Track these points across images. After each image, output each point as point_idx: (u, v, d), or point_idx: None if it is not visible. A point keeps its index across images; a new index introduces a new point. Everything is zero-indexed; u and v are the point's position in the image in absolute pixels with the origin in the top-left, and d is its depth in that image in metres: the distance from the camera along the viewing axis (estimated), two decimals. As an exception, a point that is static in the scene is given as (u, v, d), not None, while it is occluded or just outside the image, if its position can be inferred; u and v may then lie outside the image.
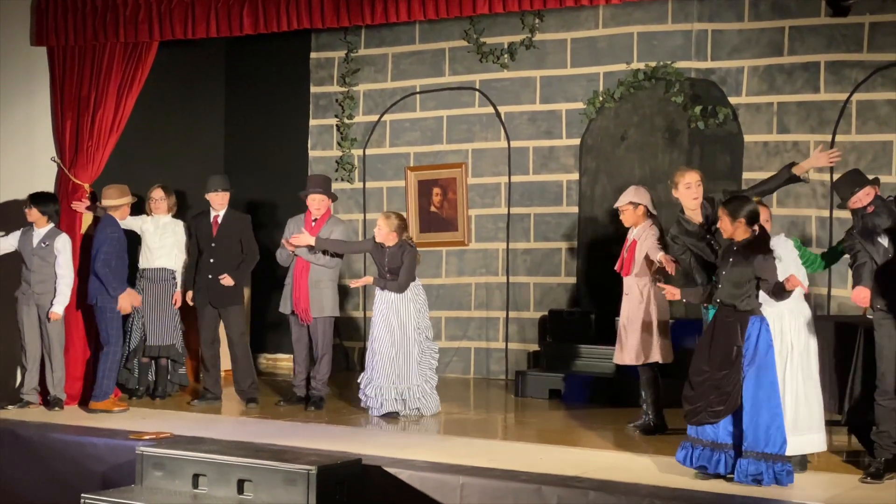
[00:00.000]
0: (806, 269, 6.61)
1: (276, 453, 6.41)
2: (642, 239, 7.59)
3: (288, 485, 6.04)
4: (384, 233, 8.16)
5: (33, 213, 8.35)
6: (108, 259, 8.28)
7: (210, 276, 8.56)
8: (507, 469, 6.31)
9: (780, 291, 6.06)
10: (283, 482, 6.05)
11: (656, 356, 7.55)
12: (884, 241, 6.25)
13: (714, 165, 9.50)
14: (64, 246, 8.35)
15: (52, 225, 8.39)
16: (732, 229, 6.20)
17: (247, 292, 9.43)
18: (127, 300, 8.36)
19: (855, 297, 6.33)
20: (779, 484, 5.94)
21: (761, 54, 9.31)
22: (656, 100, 9.68)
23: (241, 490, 6.19)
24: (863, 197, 6.36)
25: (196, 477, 6.31)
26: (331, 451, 6.60)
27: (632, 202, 7.63)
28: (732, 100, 9.43)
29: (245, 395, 8.63)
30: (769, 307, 6.22)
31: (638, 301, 7.57)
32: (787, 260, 6.33)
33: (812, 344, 6.35)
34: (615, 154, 9.86)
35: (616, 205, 7.75)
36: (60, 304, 8.28)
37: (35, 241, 8.33)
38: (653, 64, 9.66)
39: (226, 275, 8.54)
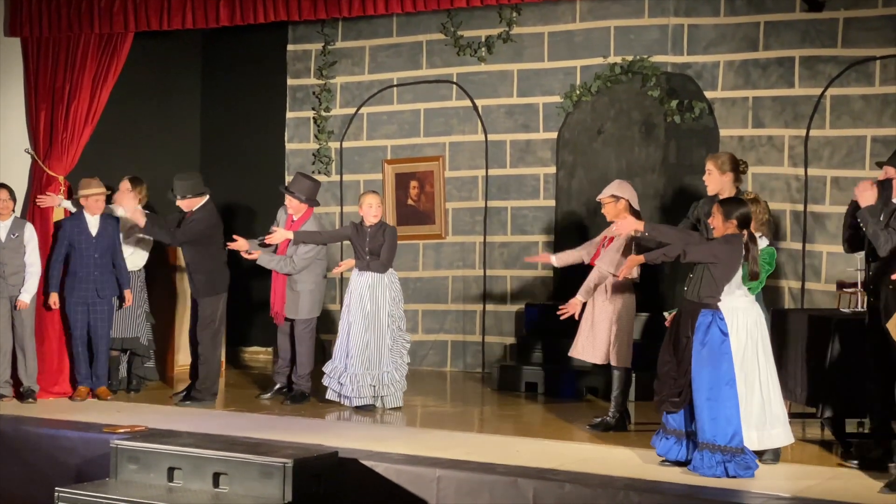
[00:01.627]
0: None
1: (251, 446, 6.40)
2: (618, 239, 7.41)
3: (264, 478, 6.02)
4: (377, 210, 8.18)
5: (8, 203, 8.30)
6: (51, 255, 8.40)
7: (187, 266, 8.51)
8: (483, 462, 6.32)
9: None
10: (259, 475, 6.04)
11: (614, 359, 7.41)
12: None
13: (690, 160, 9.55)
14: (32, 236, 8.38)
15: (14, 215, 8.36)
16: (723, 228, 6.25)
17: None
18: (50, 300, 8.43)
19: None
20: (735, 477, 5.97)
21: (737, 49, 9.35)
22: (633, 94, 9.71)
23: (216, 483, 6.17)
24: None
25: (171, 470, 6.28)
26: (307, 444, 6.59)
27: (613, 195, 7.49)
28: (708, 94, 9.47)
29: (196, 391, 8.35)
30: (725, 301, 6.26)
31: (606, 298, 7.44)
32: None
33: (767, 342, 6.37)
34: (592, 147, 9.89)
35: (598, 197, 7.64)
36: (28, 292, 8.29)
37: (3, 234, 8.30)
38: (629, 58, 9.69)
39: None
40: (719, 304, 6.18)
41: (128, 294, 8.63)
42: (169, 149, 10.80)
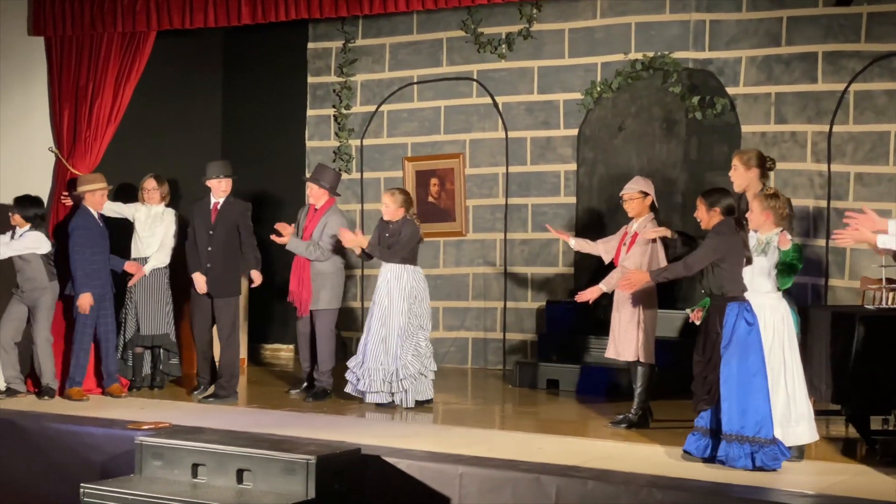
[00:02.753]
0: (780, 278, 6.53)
1: (275, 443, 6.41)
2: (644, 233, 7.44)
3: (287, 474, 6.04)
4: (391, 210, 8.17)
5: (15, 218, 8.38)
6: (75, 256, 8.35)
7: (208, 265, 8.43)
8: (505, 458, 6.32)
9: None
10: (283, 472, 6.06)
11: (643, 355, 7.43)
12: None
13: (711, 156, 9.52)
14: (36, 243, 8.33)
15: (28, 226, 8.37)
16: (708, 219, 6.28)
17: (244, 283, 9.29)
18: (86, 301, 8.34)
19: None
20: (763, 468, 5.97)
21: (759, 44, 9.32)
22: (654, 90, 9.68)
23: (240, 479, 6.19)
24: None
25: (195, 466, 6.31)
26: (330, 441, 6.61)
27: (643, 191, 7.49)
28: (730, 90, 9.44)
29: (220, 388, 8.43)
30: (751, 298, 6.30)
31: (636, 298, 7.43)
32: (771, 257, 6.35)
33: (794, 339, 6.37)
34: (612, 144, 9.87)
35: (623, 192, 7.58)
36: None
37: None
38: (650, 54, 9.66)
39: (254, 272, 8.42)
40: (746, 295, 6.19)
41: (132, 266, 8.62)
42: (191, 147, 10.83)
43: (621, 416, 7.46)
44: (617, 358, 7.57)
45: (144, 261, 8.81)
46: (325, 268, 8.47)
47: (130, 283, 8.73)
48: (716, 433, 6.20)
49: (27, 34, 9.18)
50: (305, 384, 8.68)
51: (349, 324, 10.84)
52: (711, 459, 6.20)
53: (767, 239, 6.34)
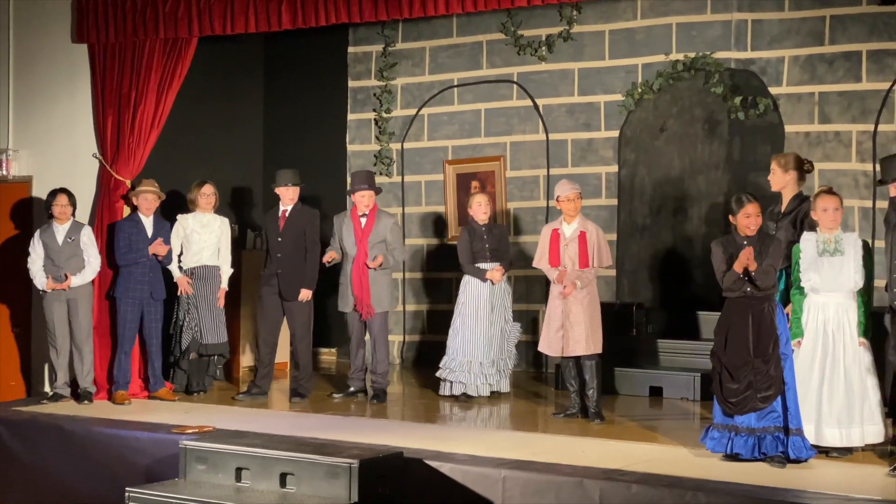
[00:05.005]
0: None
1: (318, 447, 6.44)
2: (592, 233, 7.72)
3: (330, 478, 6.06)
4: (486, 207, 8.55)
5: (67, 209, 8.40)
6: (123, 254, 8.49)
7: (279, 271, 8.51)
8: (548, 462, 6.31)
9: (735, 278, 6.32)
10: (326, 475, 6.08)
11: (599, 347, 7.72)
12: None
13: (754, 156, 9.45)
14: (90, 238, 8.49)
15: (73, 219, 8.47)
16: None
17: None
18: (157, 247, 8.50)
19: None
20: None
21: (802, 44, 9.22)
22: (695, 91, 9.62)
23: (283, 483, 6.22)
24: None
25: (239, 470, 6.34)
26: (372, 445, 6.62)
27: (580, 193, 7.82)
28: (773, 90, 9.35)
29: (301, 388, 8.60)
30: (815, 296, 6.43)
31: (584, 293, 7.71)
32: (849, 257, 6.36)
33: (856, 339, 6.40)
34: (654, 146, 9.81)
35: (567, 194, 7.78)
36: (80, 279, 8.36)
37: (59, 237, 8.40)
38: (692, 55, 9.59)
39: (303, 290, 8.50)
40: (832, 294, 6.39)
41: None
42: (233, 151, 10.91)
43: (574, 410, 7.76)
44: (586, 352, 7.71)
45: (202, 269, 8.80)
46: (380, 273, 8.53)
47: (181, 293, 8.76)
48: (755, 431, 6.25)
49: (71, 42, 9.29)
50: (352, 389, 8.70)
51: (392, 327, 10.81)
52: (755, 458, 6.24)
53: (836, 238, 6.37)
